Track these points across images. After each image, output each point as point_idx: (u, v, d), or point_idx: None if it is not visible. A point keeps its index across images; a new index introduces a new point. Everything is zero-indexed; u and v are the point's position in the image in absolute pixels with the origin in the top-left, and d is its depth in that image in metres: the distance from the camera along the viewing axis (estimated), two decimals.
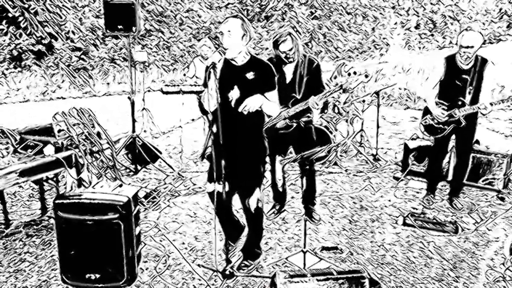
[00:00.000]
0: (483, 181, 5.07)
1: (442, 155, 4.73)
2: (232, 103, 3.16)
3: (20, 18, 13.04)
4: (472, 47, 4.07)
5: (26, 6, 13.02)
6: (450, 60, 4.31)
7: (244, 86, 3.14)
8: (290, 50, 3.88)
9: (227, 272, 3.31)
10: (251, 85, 3.14)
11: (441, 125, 4.43)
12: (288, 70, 3.99)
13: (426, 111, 4.58)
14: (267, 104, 3.19)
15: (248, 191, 3.37)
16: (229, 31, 3.07)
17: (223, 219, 3.45)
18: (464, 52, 4.11)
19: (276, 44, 3.90)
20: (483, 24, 22.46)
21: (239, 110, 3.09)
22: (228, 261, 3.35)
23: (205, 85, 3.12)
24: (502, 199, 4.85)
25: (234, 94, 3.16)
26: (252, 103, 3.10)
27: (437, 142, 4.62)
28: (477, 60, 4.21)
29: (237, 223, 3.58)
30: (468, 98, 4.25)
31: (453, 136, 4.56)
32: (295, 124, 4.10)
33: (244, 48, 3.15)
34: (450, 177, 5.12)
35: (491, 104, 4.13)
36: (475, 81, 4.20)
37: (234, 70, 3.19)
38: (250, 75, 3.15)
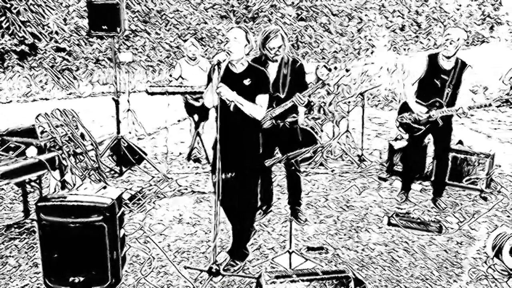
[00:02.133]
0: (466, 180, 5.14)
1: (417, 153, 4.82)
2: (231, 108, 3.36)
3: (2, 18, 12.83)
4: (458, 40, 4.15)
5: (8, 5, 12.82)
6: (433, 59, 4.36)
7: (242, 92, 3.34)
8: (279, 47, 3.90)
9: (213, 270, 3.29)
10: (247, 90, 3.36)
11: (416, 125, 4.50)
12: (272, 70, 4.00)
13: (402, 108, 4.64)
14: (246, 105, 3.33)
15: (242, 185, 3.50)
16: (235, 37, 3.32)
17: (226, 206, 3.57)
18: (450, 44, 4.15)
19: (265, 42, 3.91)
20: (467, 26, 22.78)
21: (217, 92, 3.24)
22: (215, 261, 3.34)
23: (209, 82, 3.38)
24: (485, 198, 4.92)
25: None
26: (224, 92, 3.25)
27: (412, 141, 4.68)
28: (457, 62, 4.29)
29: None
30: (445, 98, 4.33)
31: (430, 137, 4.65)
32: (281, 125, 4.11)
33: (245, 57, 3.40)
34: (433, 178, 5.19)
35: (469, 108, 4.19)
36: (453, 82, 4.28)
37: (233, 77, 3.41)
38: (247, 81, 3.38)
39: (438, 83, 4.31)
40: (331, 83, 3.87)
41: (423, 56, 4.45)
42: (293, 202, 4.42)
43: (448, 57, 4.24)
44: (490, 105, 4.16)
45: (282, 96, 4.03)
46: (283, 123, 4.12)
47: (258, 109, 3.39)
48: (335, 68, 3.84)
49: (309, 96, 4.06)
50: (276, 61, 3.98)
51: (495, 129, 8.52)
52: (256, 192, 3.69)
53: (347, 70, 3.86)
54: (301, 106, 4.09)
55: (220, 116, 3.24)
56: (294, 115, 4.18)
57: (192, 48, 6.08)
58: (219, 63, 3.20)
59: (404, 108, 4.60)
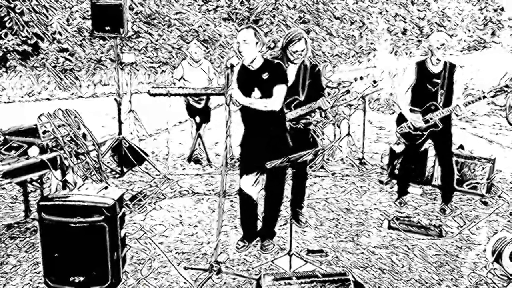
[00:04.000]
0: (467, 185, 5.14)
1: (414, 159, 4.84)
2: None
3: (6, 18, 12.87)
4: (446, 41, 4.24)
5: (12, 6, 12.87)
6: (421, 65, 4.42)
7: (262, 86, 3.53)
8: (302, 50, 3.93)
9: (214, 268, 3.30)
10: (266, 83, 3.52)
11: (418, 131, 4.49)
12: (291, 72, 4.00)
13: (401, 118, 4.62)
14: (258, 103, 3.50)
15: (269, 176, 3.74)
16: (244, 40, 3.45)
17: (243, 199, 3.85)
18: (442, 45, 4.21)
19: (288, 44, 3.93)
20: (469, 31, 22.82)
21: (229, 94, 3.41)
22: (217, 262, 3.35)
23: (227, 86, 3.52)
24: (485, 203, 4.92)
25: (256, 95, 3.56)
26: (235, 94, 3.43)
27: (411, 147, 4.66)
28: (446, 64, 4.34)
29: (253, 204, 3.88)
30: (440, 101, 4.35)
31: (431, 141, 4.64)
32: (293, 126, 4.14)
33: (258, 54, 3.53)
34: (434, 182, 5.20)
35: (465, 105, 4.23)
36: (445, 84, 4.33)
37: (252, 74, 3.57)
38: (265, 75, 3.53)
39: (430, 87, 4.35)
40: (357, 91, 3.92)
41: (412, 64, 4.52)
42: (295, 205, 4.43)
43: (437, 60, 4.29)
44: (485, 97, 4.21)
45: (302, 99, 4.07)
46: (297, 124, 4.15)
47: (270, 101, 3.49)
48: (361, 78, 3.90)
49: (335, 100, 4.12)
50: (296, 63, 4.01)
51: (496, 134, 8.52)
52: (284, 182, 3.93)
53: (374, 82, 3.91)
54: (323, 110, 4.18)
55: (246, 115, 3.47)
56: (308, 117, 4.21)
57: (196, 50, 6.08)
58: (232, 67, 3.32)
59: (402, 118, 4.60)
